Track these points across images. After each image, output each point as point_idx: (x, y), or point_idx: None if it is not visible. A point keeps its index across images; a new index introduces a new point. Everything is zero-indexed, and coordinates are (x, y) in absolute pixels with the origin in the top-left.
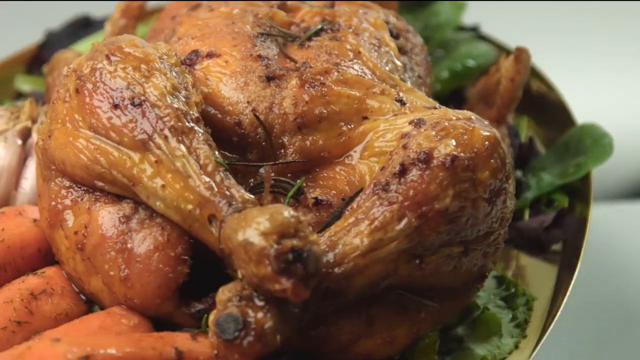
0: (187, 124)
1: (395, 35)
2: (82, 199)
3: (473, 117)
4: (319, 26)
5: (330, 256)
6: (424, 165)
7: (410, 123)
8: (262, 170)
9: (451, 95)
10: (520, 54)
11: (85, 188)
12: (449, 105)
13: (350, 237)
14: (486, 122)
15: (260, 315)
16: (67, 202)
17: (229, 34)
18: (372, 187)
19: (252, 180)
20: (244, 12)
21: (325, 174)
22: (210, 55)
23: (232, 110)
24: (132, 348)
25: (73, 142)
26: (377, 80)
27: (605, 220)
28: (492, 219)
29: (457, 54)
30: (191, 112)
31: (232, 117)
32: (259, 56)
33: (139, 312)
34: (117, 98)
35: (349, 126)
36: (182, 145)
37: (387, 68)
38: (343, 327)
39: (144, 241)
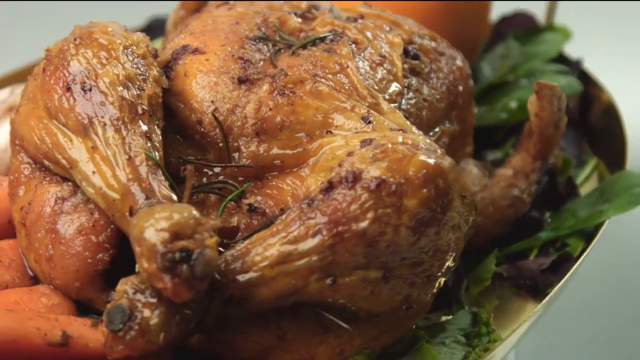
0: (129, 114)
1: (413, 56)
2: (34, 176)
3: (421, 144)
4: (315, 36)
5: (239, 263)
6: (349, 185)
7: (361, 142)
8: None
9: (518, 125)
10: (541, 90)
11: (39, 166)
12: (510, 137)
13: (262, 247)
14: (439, 152)
15: (147, 311)
16: (22, 177)
17: (224, 33)
18: (302, 201)
19: (205, 179)
20: (256, 14)
21: (274, 183)
22: (195, 51)
23: (197, 108)
24: (15, 325)
25: (28, 119)
26: (355, 96)
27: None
28: (421, 249)
29: (532, 85)
30: (139, 105)
31: (196, 114)
32: (240, 58)
33: (63, 294)
34: (71, 81)
35: (308, 138)
36: (117, 134)
37: (377, 86)
38: (250, 335)
39: (71, 224)
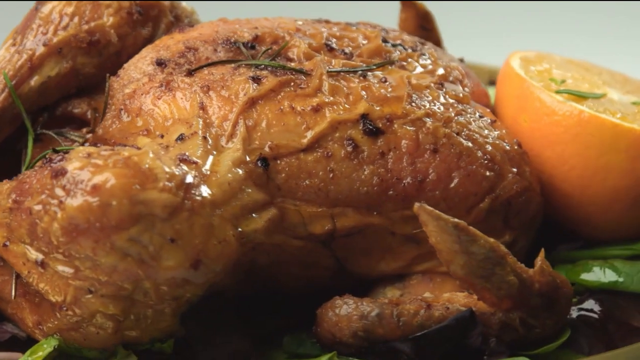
0: (33, 40)
1: (366, 130)
2: None
3: (146, 167)
4: (267, 61)
5: None
6: (48, 164)
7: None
8: None
9: None
10: (419, 213)
11: None
12: None
13: None
14: (161, 185)
15: None
16: None
17: (224, 29)
18: None
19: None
20: (285, 30)
21: None
22: (181, 30)
23: (118, 70)
24: None
25: None
26: (214, 120)
27: None
28: (74, 255)
29: None
30: (49, 37)
31: (112, 75)
32: (187, 47)
33: None
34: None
35: (145, 133)
36: (8, 50)
37: (260, 129)
38: None
39: None
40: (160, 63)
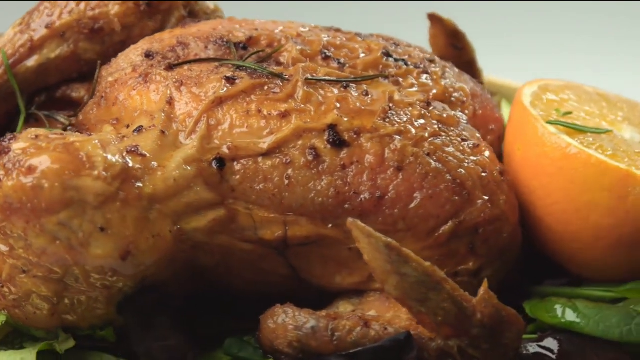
0: (39, 23)
1: (331, 141)
2: None
3: (84, 154)
4: (249, 62)
5: None
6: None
7: None
8: None
9: None
10: (351, 229)
11: None
12: None
13: None
14: (98, 174)
15: None
16: None
17: (224, 27)
18: None
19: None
20: (285, 34)
21: None
22: (182, 25)
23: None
24: None
25: None
26: (177, 117)
27: None
28: (9, 234)
29: None
30: (53, 21)
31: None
32: (179, 42)
33: None
34: None
35: (115, 122)
36: (14, 28)
37: (222, 129)
38: None
39: None
40: (149, 55)
